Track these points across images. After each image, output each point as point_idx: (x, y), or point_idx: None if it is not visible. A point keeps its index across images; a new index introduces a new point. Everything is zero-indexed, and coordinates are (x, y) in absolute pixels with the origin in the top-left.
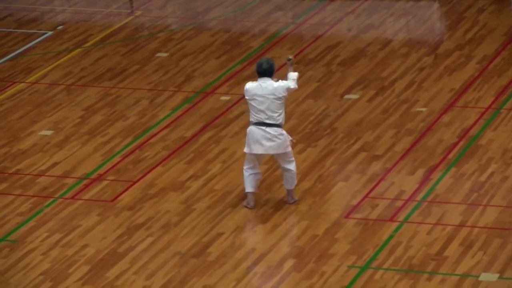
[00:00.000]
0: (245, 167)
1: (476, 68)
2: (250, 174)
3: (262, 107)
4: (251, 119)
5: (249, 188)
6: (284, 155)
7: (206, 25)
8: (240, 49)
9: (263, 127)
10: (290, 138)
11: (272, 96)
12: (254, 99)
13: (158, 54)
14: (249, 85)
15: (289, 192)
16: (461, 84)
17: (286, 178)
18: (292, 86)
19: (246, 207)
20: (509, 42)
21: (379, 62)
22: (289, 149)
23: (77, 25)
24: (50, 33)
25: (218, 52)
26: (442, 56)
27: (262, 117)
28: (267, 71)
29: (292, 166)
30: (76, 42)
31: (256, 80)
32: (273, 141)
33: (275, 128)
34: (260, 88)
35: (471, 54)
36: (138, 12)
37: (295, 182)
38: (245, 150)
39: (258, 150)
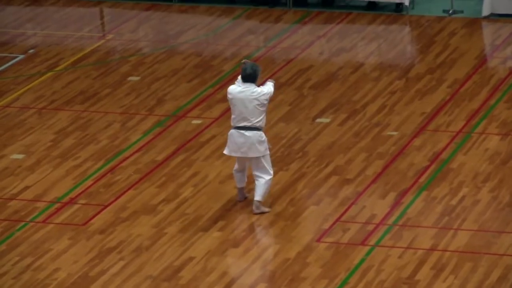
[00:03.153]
0: (233, 170)
1: (447, 92)
2: (237, 173)
3: (244, 111)
4: (232, 123)
5: (237, 184)
6: (258, 161)
7: (178, 49)
8: (212, 72)
9: (242, 131)
10: (269, 145)
11: (254, 102)
12: (237, 102)
13: (130, 78)
14: (232, 88)
15: (255, 202)
16: (432, 107)
17: (257, 186)
18: (271, 89)
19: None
20: (480, 65)
21: (350, 85)
22: (266, 153)
23: (49, 48)
24: (21, 56)
25: (190, 75)
26: (413, 79)
27: (242, 121)
28: (250, 76)
29: (265, 175)
30: (48, 65)
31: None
32: (250, 144)
33: (254, 132)
34: (243, 93)
35: (442, 78)
36: (110, 36)
37: (265, 193)
38: (224, 151)
39: (235, 152)
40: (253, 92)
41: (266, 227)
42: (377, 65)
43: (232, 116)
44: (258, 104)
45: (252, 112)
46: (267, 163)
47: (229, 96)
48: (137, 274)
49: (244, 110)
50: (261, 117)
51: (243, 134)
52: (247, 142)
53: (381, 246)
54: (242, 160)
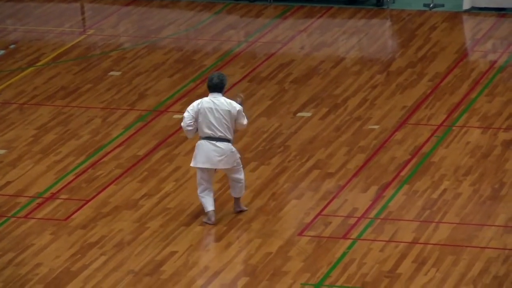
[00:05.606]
0: (199, 193)
1: (428, 86)
2: (206, 195)
3: (214, 121)
4: (201, 134)
5: (209, 207)
6: (232, 171)
7: (159, 44)
8: (193, 67)
9: (214, 141)
10: (239, 156)
11: (224, 110)
12: (206, 112)
13: (111, 73)
14: (200, 100)
15: (236, 200)
16: (414, 101)
17: (233, 186)
18: (244, 122)
19: (207, 223)
20: (460, 59)
21: (331, 80)
22: (239, 166)
23: (30, 44)
24: (2, 52)
25: (171, 70)
26: (394, 73)
27: (212, 131)
28: (217, 86)
29: (240, 175)
30: (29, 61)
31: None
32: (223, 155)
33: (226, 143)
34: (212, 102)
35: (423, 72)
36: (91, 31)
37: (243, 191)
38: (192, 164)
39: (206, 164)
40: (219, 102)
41: (247, 222)
42: (358, 59)
43: (201, 127)
44: (224, 115)
45: (219, 123)
46: (239, 173)
47: (197, 106)
48: (119, 269)
49: (213, 119)
50: (229, 127)
51: (214, 144)
52: (219, 152)
53: (363, 239)
54: (209, 174)
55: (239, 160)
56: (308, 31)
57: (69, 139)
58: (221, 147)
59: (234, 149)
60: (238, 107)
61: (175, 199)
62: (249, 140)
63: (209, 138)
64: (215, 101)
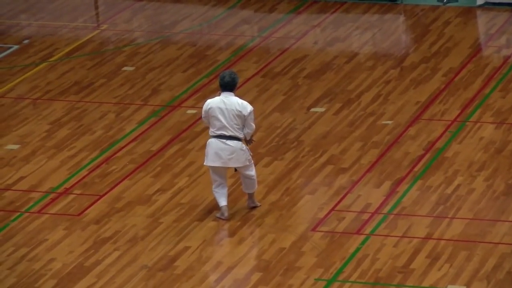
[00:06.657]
0: (214, 189)
1: (442, 81)
2: (220, 191)
3: (224, 121)
4: (211, 133)
5: (222, 202)
6: (244, 168)
7: (172, 39)
8: (207, 62)
9: (224, 140)
10: (250, 153)
11: (235, 111)
12: (216, 112)
13: (124, 68)
14: (211, 100)
15: (249, 196)
16: (427, 96)
17: (245, 182)
18: (252, 127)
19: (220, 218)
20: (474, 55)
21: (345, 75)
22: (250, 163)
23: (43, 39)
24: (16, 47)
25: (185, 65)
26: (408, 69)
27: (223, 130)
28: (229, 84)
29: (251, 171)
30: (42, 56)
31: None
32: (233, 153)
33: (236, 141)
34: (223, 102)
35: (436, 67)
36: (104, 26)
37: (255, 187)
38: (205, 163)
39: (216, 162)
40: (230, 103)
41: (261, 217)
42: (371, 54)
43: (211, 128)
44: (236, 114)
45: (230, 123)
46: (250, 170)
47: (207, 107)
48: (132, 264)
49: (223, 119)
50: (241, 126)
51: (224, 142)
52: (229, 151)
53: (376, 235)
54: (221, 171)
55: (250, 157)
56: (321, 26)
57: (83, 134)
58: (230, 145)
59: (244, 147)
60: (249, 108)
61: (188, 194)
62: (263, 136)
63: (220, 136)
64: (226, 101)
